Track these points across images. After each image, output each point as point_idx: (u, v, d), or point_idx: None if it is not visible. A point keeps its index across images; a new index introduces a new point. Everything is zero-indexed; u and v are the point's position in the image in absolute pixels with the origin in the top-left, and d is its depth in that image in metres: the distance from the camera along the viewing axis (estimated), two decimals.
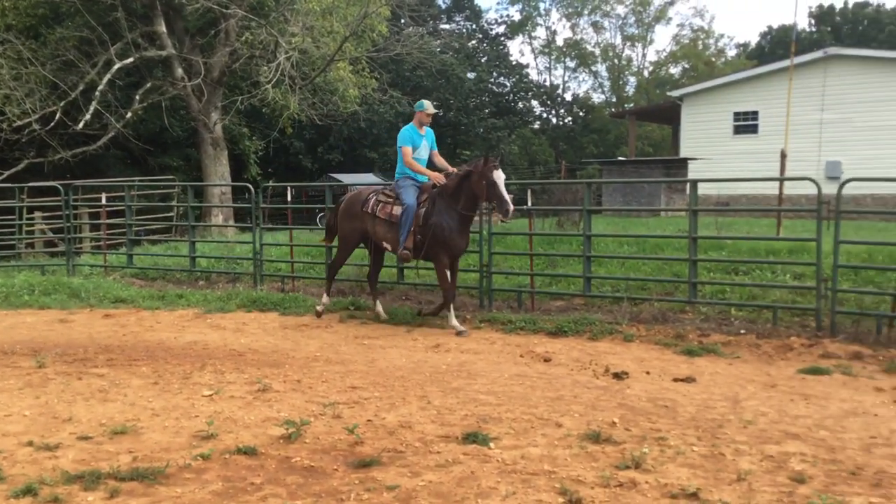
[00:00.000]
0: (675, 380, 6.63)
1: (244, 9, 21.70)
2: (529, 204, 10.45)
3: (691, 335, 8.28)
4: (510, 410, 5.61)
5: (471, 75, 44.74)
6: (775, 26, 58.71)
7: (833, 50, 26.53)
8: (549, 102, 54.02)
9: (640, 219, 20.86)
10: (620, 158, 33.09)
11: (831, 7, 58.52)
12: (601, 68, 55.70)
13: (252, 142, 28.34)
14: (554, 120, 53.92)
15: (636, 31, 55.05)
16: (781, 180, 12.78)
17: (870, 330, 8.09)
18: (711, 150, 25.96)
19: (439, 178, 9.12)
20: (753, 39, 61.48)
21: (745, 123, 27.14)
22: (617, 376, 6.72)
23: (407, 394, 6.14)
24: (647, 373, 6.89)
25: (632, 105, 48.99)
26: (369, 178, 27.49)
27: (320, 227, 15.24)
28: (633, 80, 56.52)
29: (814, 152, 24.46)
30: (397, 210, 9.05)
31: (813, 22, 59.21)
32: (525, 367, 7.19)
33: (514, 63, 50.96)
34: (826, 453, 4.70)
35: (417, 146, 9.23)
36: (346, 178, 25.88)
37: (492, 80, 48.10)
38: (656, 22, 54.42)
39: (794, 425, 5.31)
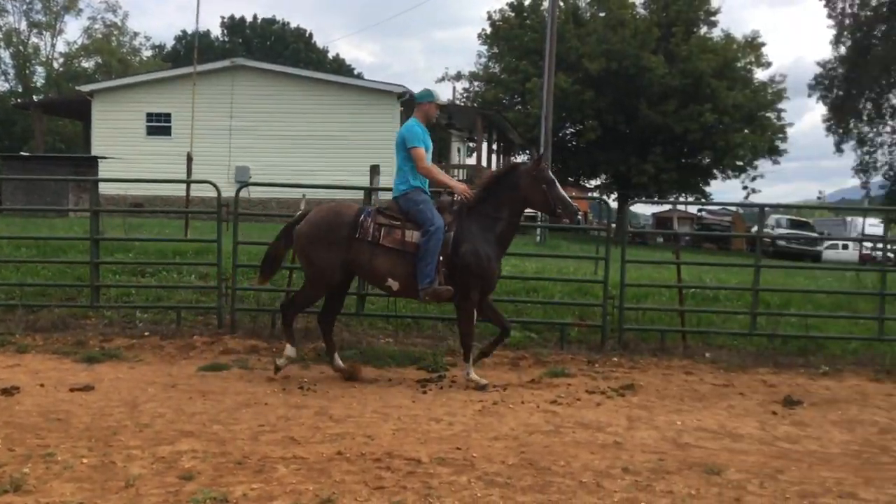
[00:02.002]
0: (72, 389, 6.26)
1: None
2: None
3: (93, 341, 7.98)
4: None
5: None
6: (190, 31, 60.20)
7: (240, 60, 28.25)
8: None
9: (46, 219, 19.36)
10: (24, 154, 30.33)
11: (242, 19, 62.32)
12: (5, 54, 50.47)
13: None
14: None
15: (44, 19, 51.18)
16: (185, 182, 13.04)
17: (266, 324, 8.74)
18: (125, 150, 25.38)
19: (466, 190, 7.03)
20: (170, 42, 62.16)
21: (159, 125, 27.26)
22: (6, 392, 6.07)
23: None
24: (42, 385, 6.37)
25: (41, 97, 45.36)
26: None
27: None
28: (41, 70, 52.40)
29: (224, 157, 25.70)
30: (413, 236, 6.74)
31: (225, 31, 62.28)
32: None
33: None
34: (217, 447, 4.89)
35: (429, 148, 7.04)
36: None
37: None
38: (66, 12, 51.30)
39: (190, 423, 5.42)
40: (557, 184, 6.95)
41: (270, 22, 63.07)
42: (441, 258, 6.63)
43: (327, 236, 6.78)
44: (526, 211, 7.25)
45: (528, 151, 40.34)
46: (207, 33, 60.92)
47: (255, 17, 62.76)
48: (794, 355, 8.50)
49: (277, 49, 58.39)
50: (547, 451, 5.05)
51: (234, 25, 62.44)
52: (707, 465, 4.82)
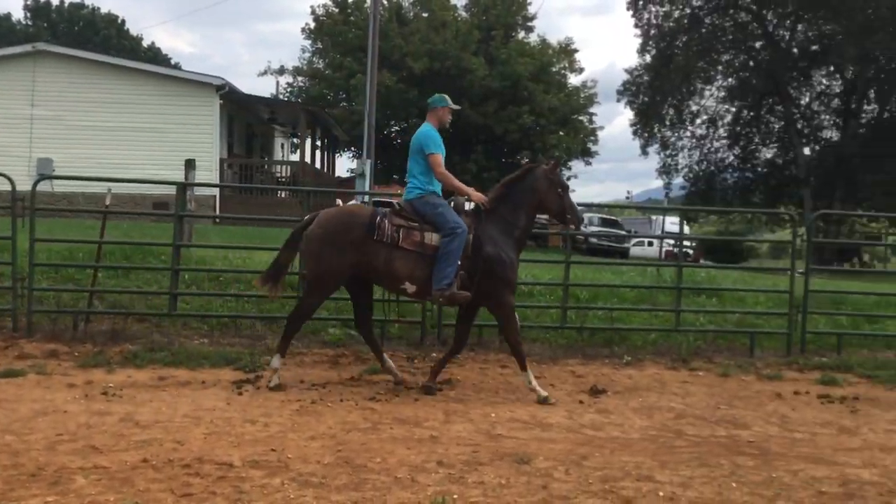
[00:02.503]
0: None
1: None
2: None
3: None
4: None
5: None
6: None
7: (42, 45, 26.23)
8: None
9: None
10: None
11: (48, 3, 58.06)
12: None
13: None
14: None
15: None
16: None
17: (67, 327, 8.19)
18: None
19: (482, 198, 6.92)
20: None
21: None
22: None
23: None
24: None
25: None
26: None
27: None
28: None
29: (25, 148, 23.82)
30: (432, 238, 6.60)
31: (28, 15, 57.83)
32: None
33: None
34: (8, 458, 4.54)
35: (443, 153, 6.89)
36: None
37: None
38: None
39: None
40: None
41: (79, 6, 59.09)
42: (459, 262, 6.58)
43: (341, 238, 6.58)
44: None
45: (351, 149, 40.35)
46: (8, 16, 56.45)
47: (62, 0, 58.64)
48: (600, 346, 8.98)
49: (87, 35, 54.83)
50: (364, 448, 5.05)
51: (38, 9, 57.96)
52: (518, 455, 5.00)
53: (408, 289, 6.73)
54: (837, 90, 42.86)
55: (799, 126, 42.44)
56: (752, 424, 6.22)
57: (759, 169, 45.08)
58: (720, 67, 43.19)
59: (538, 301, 10.08)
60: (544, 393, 6.66)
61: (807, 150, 42.19)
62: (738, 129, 44.62)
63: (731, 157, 45.45)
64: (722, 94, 44.15)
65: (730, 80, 43.56)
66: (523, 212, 6.96)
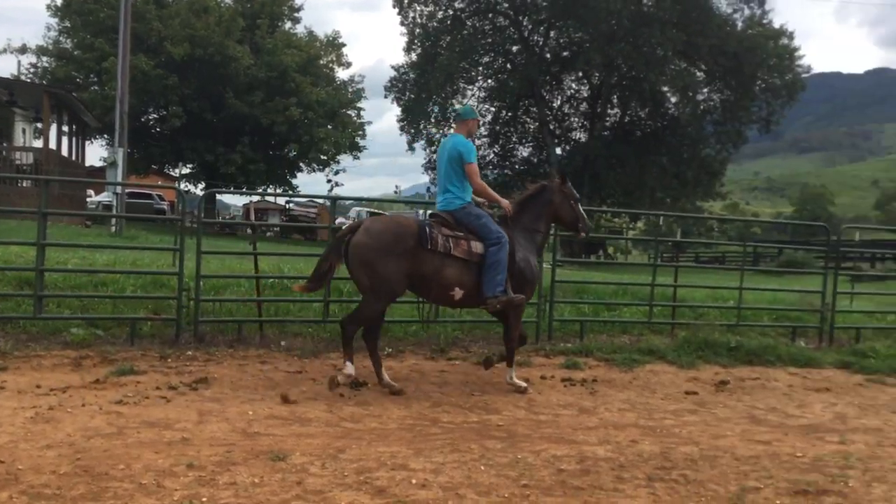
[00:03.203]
0: None
1: None
2: None
3: None
4: None
5: None
6: None
7: None
8: None
9: None
10: None
11: None
12: None
13: None
14: None
15: None
16: None
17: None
18: None
19: (510, 206, 7.43)
20: None
21: None
22: None
23: None
24: None
25: None
26: None
27: None
28: None
29: None
30: (476, 247, 6.97)
31: None
32: None
33: None
34: None
35: None
36: None
37: None
38: None
39: None
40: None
41: None
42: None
43: (393, 247, 6.68)
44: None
45: (105, 136, 37.74)
46: None
47: None
48: (362, 339, 9.03)
49: None
50: (106, 455, 4.73)
51: None
52: (273, 452, 4.91)
53: (455, 295, 6.99)
54: (585, 94, 46.38)
55: (551, 127, 45.43)
56: (502, 409, 6.54)
57: (517, 166, 47.70)
58: (481, 68, 45.14)
59: (301, 295, 9.97)
60: (523, 384, 7.26)
61: (558, 150, 45.23)
62: (498, 128, 46.97)
63: (492, 155, 47.76)
64: (483, 94, 46.22)
65: (489, 81, 45.70)
66: (543, 221, 7.62)
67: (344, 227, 7.19)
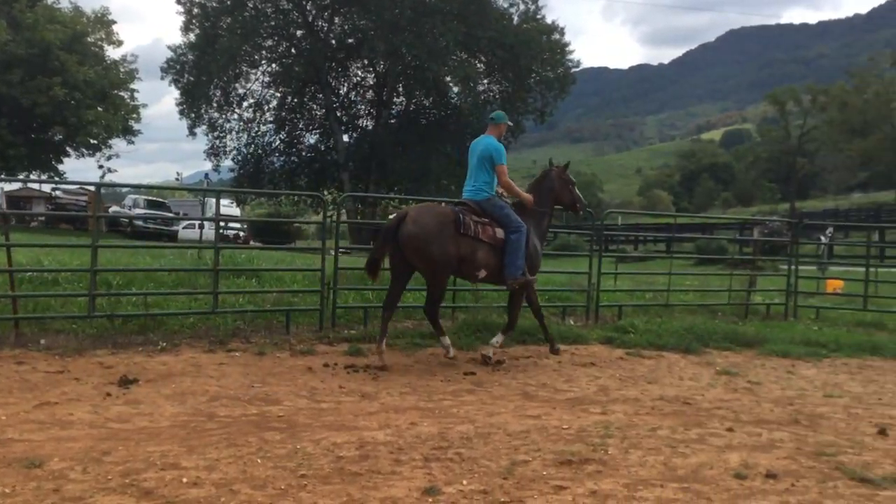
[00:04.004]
0: None
1: None
2: None
3: None
4: None
5: None
6: None
7: None
8: None
9: None
10: None
11: None
12: None
13: None
14: None
15: None
16: None
17: None
18: None
19: (531, 200, 8.53)
20: None
21: None
22: None
23: None
24: None
25: None
26: None
27: None
28: None
29: None
30: (498, 233, 8.03)
31: None
32: None
33: None
34: None
35: None
36: None
37: None
38: None
39: None
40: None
41: None
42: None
43: (441, 233, 7.67)
44: None
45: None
46: None
47: None
48: (134, 334, 8.58)
49: None
50: None
51: None
52: (28, 459, 4.54)
53: (480, 274, 8.08)
54: (371, 82, 46.62)
55: (338, 114, 45.32)
56: (283, 400, 6.44)
57: (304, 154, 47.15)
58: (264, 52, 44.06)
59: (65, 289, 9.30)
60: (492, 356, 8.29)
61: (346, 137, 45.22)
62: (284, 114, 46.15)
63: (278, 142, 46.90)
64: (267, 79, 45.19)
65: (274, 65, 44.73)
66: (547, 205, 8.65)
67: (391, 218, 8.27)
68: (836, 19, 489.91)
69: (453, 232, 7.73)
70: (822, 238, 20.95)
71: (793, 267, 13.27)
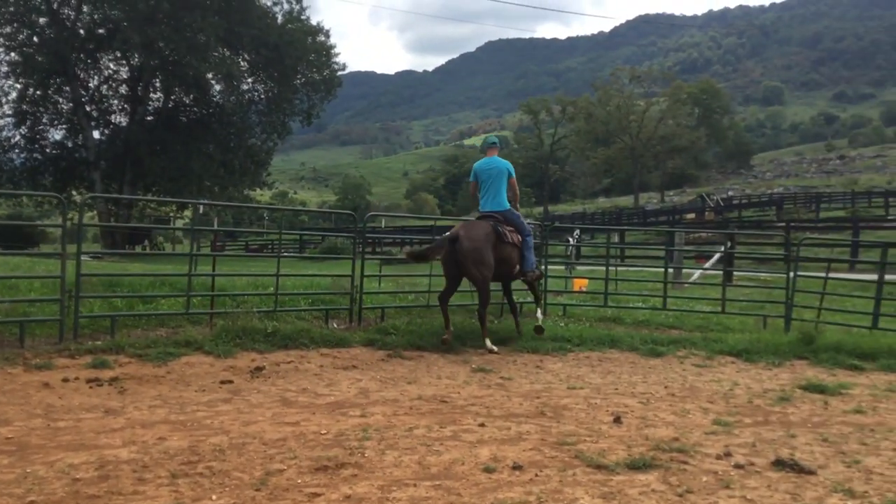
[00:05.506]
0: None
1: None
2: None
3: None
4: None
5: None
6: None
7: None
8: None
9: None
10: None
11: None
12: None
13: None
14: None
15: None
16: None
17: None
18: None
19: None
20: None
21: None
22: None
23: None
24: None
25: None
26: None
27: None
28: None
29: None
30: (517, 237, 10.01)
31: None
32: None
33: None
34: None
35: None
36: None
37: None
38: None
39: None
40: None
41: None
42: None
43: (490, 243, 9.55)
44: None
45: None
46: None
47: None
48: None
49: None
50: None
51: None
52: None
53: (511, 271, 9.96)
54: (125, 76, 43.91)
55: (88, 109, 42.22)
56: (13, 420, 5.84)
57: (49, 150, 43.47)
58: (2, 39, 40.09)
59: None
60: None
61: (97, 134, 42.24)
62: (25, 107, 42.22)
63: (18, 137, 42.83)
64: (5, 68, 41.15)
65: (13, 54, 40.81)
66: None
67: (446, 235, 9.92)
68: (583, 35, 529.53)
69: (496, 241, 9.60)
70: (570, 240, 22.33)
71: (542, 267, 14.09)
